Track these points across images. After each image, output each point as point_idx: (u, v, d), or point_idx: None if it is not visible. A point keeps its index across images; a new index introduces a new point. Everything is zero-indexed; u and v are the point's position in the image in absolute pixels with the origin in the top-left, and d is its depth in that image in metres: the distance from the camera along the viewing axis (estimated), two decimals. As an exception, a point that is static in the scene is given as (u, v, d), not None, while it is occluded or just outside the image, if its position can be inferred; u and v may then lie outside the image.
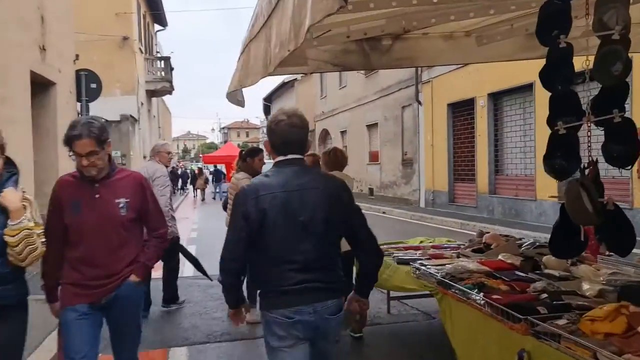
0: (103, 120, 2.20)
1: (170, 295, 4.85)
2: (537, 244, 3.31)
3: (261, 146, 5.54)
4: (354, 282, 2.18)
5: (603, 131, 2.12)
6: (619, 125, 2.06)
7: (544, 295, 2.21)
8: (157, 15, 21.37)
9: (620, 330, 1.72)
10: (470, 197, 12.29)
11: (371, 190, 18.08)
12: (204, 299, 5.03)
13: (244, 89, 3.16)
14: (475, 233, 5.60)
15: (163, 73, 19.07)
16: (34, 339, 3.39)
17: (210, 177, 23.58)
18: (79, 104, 8.44)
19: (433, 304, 3.58)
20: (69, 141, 2.06)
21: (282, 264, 1.78)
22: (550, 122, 2.31)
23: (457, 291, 2.52)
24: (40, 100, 6.85)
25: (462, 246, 3.88)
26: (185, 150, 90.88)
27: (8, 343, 1.97)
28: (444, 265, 2.99)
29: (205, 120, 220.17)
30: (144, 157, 15.34)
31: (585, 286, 2.30)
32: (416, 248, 4.02)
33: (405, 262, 3.42)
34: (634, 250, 2.15)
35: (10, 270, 1.92)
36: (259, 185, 1.83)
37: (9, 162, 2.05)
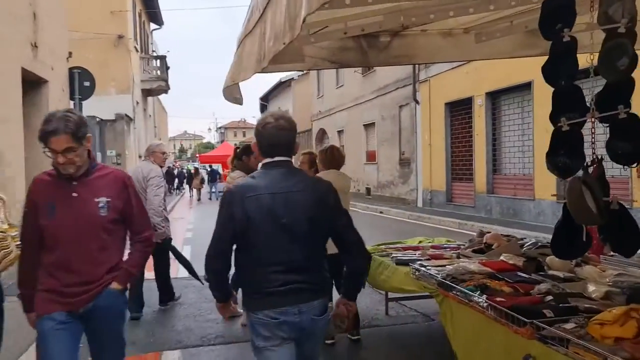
0: (81, 113, 2.05)
1: (167, 294, 4.78)
2: (539, 244, 3.24)
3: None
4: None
5: (608, 128, 2.06)
6: (624, 122, 2.01)
7: (549, 298, 2.14)
8: (152, 13, 21.25)
9: (631, 334, 1.66)
10: (468, 197, 12.25)
11: (368, 190, 18.02)
12: (198, 301, 4.95)
13: (240, 87, 3.10)
14: (473, 233, 5.55)
15: (159, 72, 18.96)
16: (19, 345, 3.30)
17: (206, 177, 23.50)
18: (72, 102, 8.33)
19: (432, 305, 3.52)
20: (44, 137, 1.89)
21: (267, 265, 1.80)
22: (553, 118, 2.24)
23: (458, 293, 2.44)
24: (32, 98, 6.75)
25: (462, 246, 3.82)
26: (182, 150, 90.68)
27: None
28: (444, 266, 2.92)
29: (202, 120, 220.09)
30: (139, 156, 15.22)
31: (591, 288, 2.23)
32: (415, 248, 3.95)
33: (404, 263, 3.34)
34: (640, 251, 2.09)
35: None
36: (245, 186, 1.85)
37: None
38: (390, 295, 4.26)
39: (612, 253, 3.00)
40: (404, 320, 4.29)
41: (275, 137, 1.87)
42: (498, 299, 2.17)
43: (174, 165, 30.56)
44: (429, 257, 3.39)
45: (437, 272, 2.81)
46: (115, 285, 2.02)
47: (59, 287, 1.96)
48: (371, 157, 18.09)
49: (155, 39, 25.12)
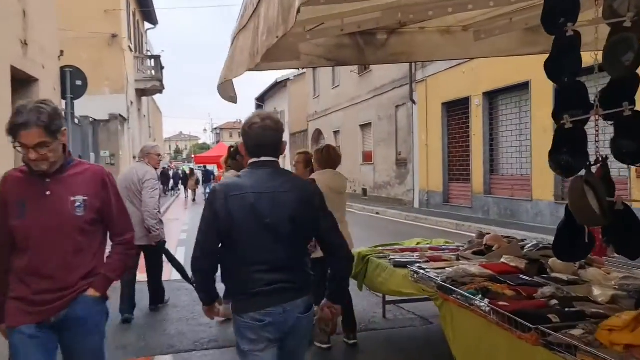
0: (55, 105, 1.83)
1: (158, 296, 4.70)
2: (541, 245, 3.16)
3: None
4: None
5: (612, 125, 1.99)
6: (630, 119, 1.95)
7: (554, 302, 2.06)
8: (147, 13, 21.11)
9: (641, 341, 1.58)
10: (465, 198, 12.20)
11: (365, 191, 17.96)
12: (191, 304, 4.85)
13: (236, 87, 3.03)
14: (470, 234, 5.48)
15: (153, 72, 18.82)
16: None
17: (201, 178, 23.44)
18: (63, 101, 8.21)
19: (431, 308, 3.44)
20: (13, 130, 1.71)
21: (251, 265, 1.80)
22: (556, 115, 2.18)
23: (459, 297, 2.36)
24: (22, 96, 6.59)
25: (461, 248, 3.74)
26: (178, 151, 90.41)
27: None
28: (444, 268, 2.84)
29: (197, 120, 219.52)
30: (134, 157, 15.08)
31: (597, 291, 2.15)
32: (413, 250, 3.87)
33: (402, 265, 3.26)
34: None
35: None
36: (230, 185, 1.86)
37: None
38: (388, 297, 4.18)
39: (612, 255, 2.94)
40: (402, 324, 4.21)
41: (262, 138, 1.88)
42: (501, 303, 2.09)
43: (169, 166, 30.44)
44: (427, 259, 3.31)
45: (436, 274, 2.72)
46: (91, 292, 1.86)
47: (29, 295, 1.80)
48: (367, 157, 18.04)
49: (149, 38, 25.01)
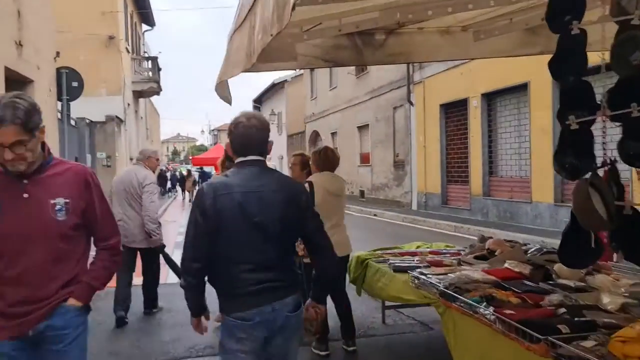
0: (32, 99, 1.67)
1: (152, 300, 4.63)
2: (544, 249, 3.09)
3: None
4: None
5: (620, 127, 1.92)
6: (638, 121, 1.87)
7: (562, 310, 1.99)
8: (144, 14, 21.04)
9: (656, 353, 1.51)
10: (463, 200, 12.14)
11: (362, 193, 17.89)
12: (186, 308, 4.73)
13: (232, 89, 2.99)
14: (469, 236, 5.41)
15: (150, 73, 18.75)
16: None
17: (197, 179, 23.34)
18: (59, 102, 8.12)
19: (431, 313, 3.37)
20: None
21: (239, 264, 1.79)
22: (561, 116, 2.11)
23: (462, 304, 2.28)
24: (16, 98, 6.52)
25: (462, 252, 3.66)
26: (175, 153, 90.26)
27: None
28: (446, 274, 2.76)
29: (195, 122, 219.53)
30: (130, 159, 14.99)
31: (606, 299, 2.08)
32: (413, 254, 3.79)
33: (403, 270, 3.18)
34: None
35: None
36: (217, 184, 1.84)
37: None
38: (387, 302, 4.10)
39: (617, 260, 2.87)
40: (402, 330, 4.12)
41: (247, 137, 1.87)
42: (506, 311, 2.01)
43: (167, 168, 30.33)
44: (428, 264, 3.23)
45: (438, 280, 2.64)
46: (72, 302, 1.70)
47: (4, 307, 1.64)
48: (365, 159, 17.98)
49: (147, 40, 24.91)
